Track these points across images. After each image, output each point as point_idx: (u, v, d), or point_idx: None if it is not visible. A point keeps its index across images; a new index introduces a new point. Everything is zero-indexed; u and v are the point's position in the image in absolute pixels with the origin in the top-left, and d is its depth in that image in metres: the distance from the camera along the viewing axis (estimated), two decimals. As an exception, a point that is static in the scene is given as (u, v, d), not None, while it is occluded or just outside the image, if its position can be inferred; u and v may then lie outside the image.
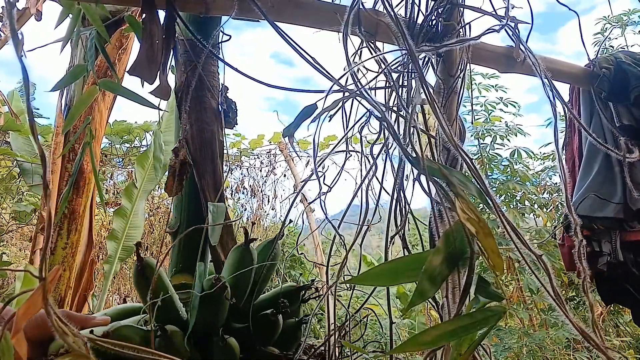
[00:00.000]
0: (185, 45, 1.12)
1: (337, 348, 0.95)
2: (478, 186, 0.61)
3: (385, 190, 0.94)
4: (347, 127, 1.03)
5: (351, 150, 1.06)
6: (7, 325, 0.37)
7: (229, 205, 6.51)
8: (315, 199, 1.02)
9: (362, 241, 0.93)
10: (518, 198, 4.41)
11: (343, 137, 1.04)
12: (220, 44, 1.12)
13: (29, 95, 0.36)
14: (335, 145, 1.02)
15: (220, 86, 1.15)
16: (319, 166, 0.99)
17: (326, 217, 1.08)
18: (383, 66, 0.91)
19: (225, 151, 1.16)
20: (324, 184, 1.03)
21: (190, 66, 1.10)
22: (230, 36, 1.10)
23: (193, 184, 1.07)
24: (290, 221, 1.05)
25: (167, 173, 1.08)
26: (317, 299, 1.03)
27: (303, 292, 1.01)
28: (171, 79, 1.06)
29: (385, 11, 0.82)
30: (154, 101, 1.02)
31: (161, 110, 1.13)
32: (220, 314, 0.89)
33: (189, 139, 1.07)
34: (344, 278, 0.88)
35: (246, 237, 0.94)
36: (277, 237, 0.99)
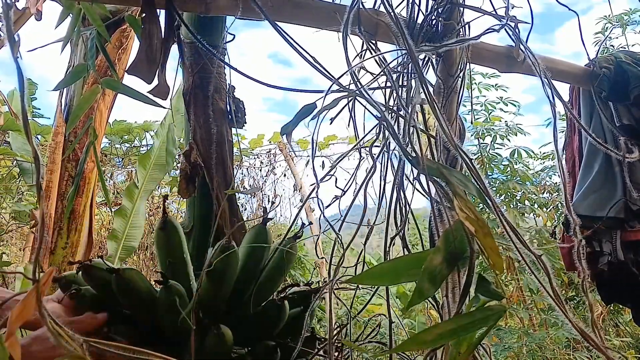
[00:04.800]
0: (191, 48, 1.12)
1: (337, 347, 0.95)
2: (477, 186, 0.61)
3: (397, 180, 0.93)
4: (355, 130, 1.03)
5: (359, 150, 1.06)
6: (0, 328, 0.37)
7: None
8: (328, 205, 1.01)
9: (365, 241, 0.93)
10: (518, 198, 4.41)
11: (357, 143, 1.03)
12: (225, 45, 1.12)
13: (23, 96, 0.36)
14: (347, 152, 1.01)
15: (228, 86, 1.15)
16: (328, 172, 0.99)
17: (325, 219, 1.08)
18: (383, 66, 0.91)
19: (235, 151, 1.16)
20: (337, 187, 1.03)
21: (197, 68, 1.10)
22: (234, 35, 1.11)
23: (204, 185, 1.08)
24: (303, 227, 1.05)
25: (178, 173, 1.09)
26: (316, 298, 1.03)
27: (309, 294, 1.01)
28: (177, 81, 1.07)
29: (385, 11, 0.82)
30: (155, 99, 1.02)
31: (163, 107, 1.13)
32: (224, 288, 0.89)
33: (199, 140, 1.08)
34: (341, 278, 0.88)
35: (264, 217, 0.96)
36: (295, 237, 0.99)
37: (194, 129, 1.09)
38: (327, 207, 1.01)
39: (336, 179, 1.00)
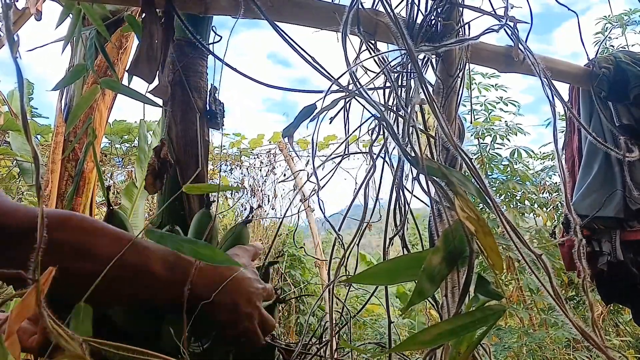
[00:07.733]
0: (174, 44, 1.12)
1: (335, 348, 0.95)
2: (477, 185, 0.61)
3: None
4: (348, 128, 1.03)
5: (358, 152, 1.07)
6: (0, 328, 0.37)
7: (229, 205, 6.52)
8: (309, 197, 1.02)
9: (359, 241, 0.93)
10: (518, 198, 4.41)
11: (346, 139, 1.04)
12: (212, 44, 1.12)
13: (23, 96, 0.36)
14: (337, 147, 1.02)
15: (209, 87, 1.15)
16: (319, 167, 0.99)
17: (326, 219, 1.08)
18: (382, 66, 0.91)
19: (224, 151, 1.15)
20: (319, 182, 1.03)
21: (179, 66, 1.10)
22: (222, 37, 1.10)
23: (176, 183, 1.07)
24: (252, 211, 1.07)
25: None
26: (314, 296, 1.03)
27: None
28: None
29: (384, 11, 0.82)
30: (154, 99, 1.02)
31: (163, 107, 1.13)
32: None
33: (174, 138, 1.07)
34: (340, 277, 0.88)
35: (207, 200, 0.97)
36: (245, 222, 0.99)
37: (169, 125, 1.09)
38: (307, 199, 1.01)
39: (330, 177, 1.00)
